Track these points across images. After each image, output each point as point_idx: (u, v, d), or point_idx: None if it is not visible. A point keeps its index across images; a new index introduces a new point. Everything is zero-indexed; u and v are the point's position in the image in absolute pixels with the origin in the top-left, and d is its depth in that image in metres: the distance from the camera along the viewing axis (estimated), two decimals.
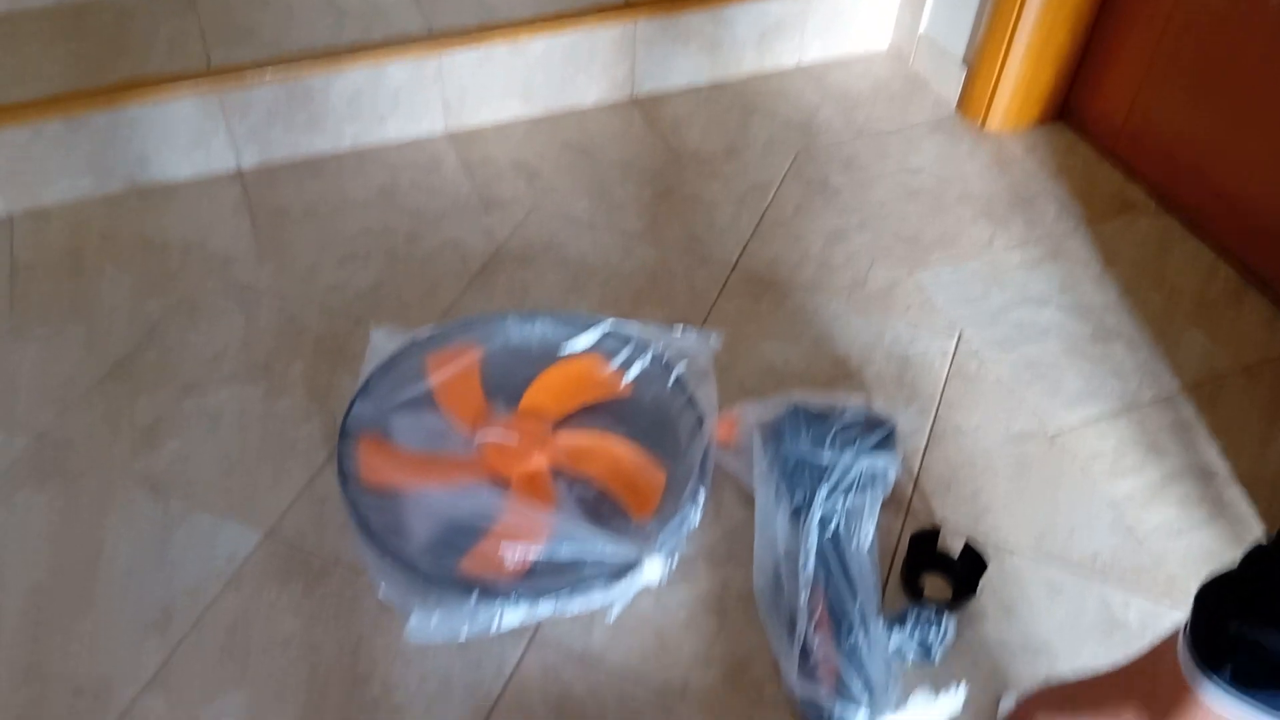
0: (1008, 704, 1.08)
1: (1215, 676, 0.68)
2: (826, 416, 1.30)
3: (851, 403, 1.35)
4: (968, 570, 1.22)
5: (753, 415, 1.32)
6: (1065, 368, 1.49)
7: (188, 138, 1.66)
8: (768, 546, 1.22)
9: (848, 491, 1.23)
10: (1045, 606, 1.21)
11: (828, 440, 1.26)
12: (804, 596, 1.15)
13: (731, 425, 1.33)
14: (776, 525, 1.22)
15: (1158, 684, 0.73)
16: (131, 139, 1.62)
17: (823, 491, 1.22)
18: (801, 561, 1.18)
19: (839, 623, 1.13)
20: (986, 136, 1.90)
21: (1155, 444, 1.39)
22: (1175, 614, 1.21)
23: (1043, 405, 1.43)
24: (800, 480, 1.24)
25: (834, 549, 1.20)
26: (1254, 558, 0.70)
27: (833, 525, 1.21)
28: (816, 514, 1.21)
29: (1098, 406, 1.43)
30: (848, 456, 1.25)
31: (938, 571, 1.24)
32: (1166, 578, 1.25)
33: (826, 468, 1.24)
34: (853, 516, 1.22)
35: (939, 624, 1.15)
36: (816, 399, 1.34)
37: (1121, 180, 1.82)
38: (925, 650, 1.15)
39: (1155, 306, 1.58)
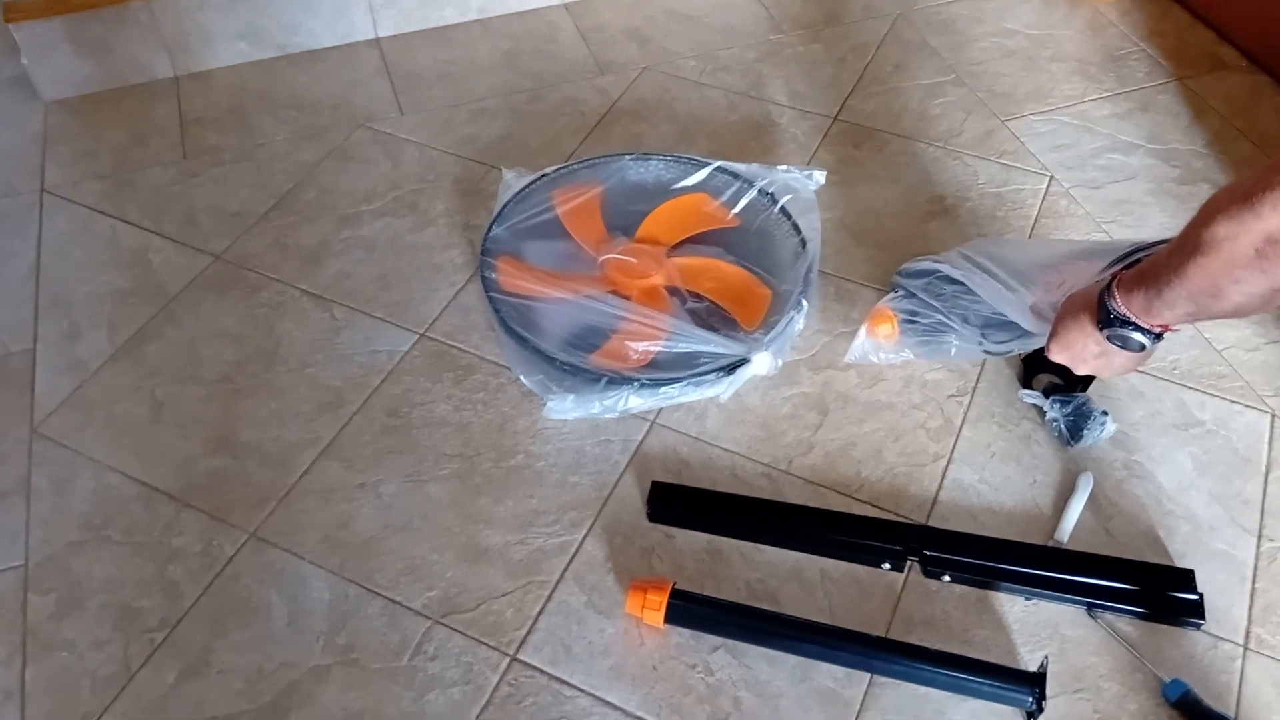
0: None
1: None
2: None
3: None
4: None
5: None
6: (1151, 205, 1.57)
7: (331, 8, 1.81)
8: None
9: None
10: (1127, 405, 1.32)
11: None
12: None
13: (884, 319, 1.37)
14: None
15: None
16: (284, 8, 1.78)
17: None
18: None
19: None
20: (1081, 2, 1.96)
21: None
22: (1249, 414, 1.31)
23: (1129, 237, 1.51)
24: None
25: None
26: None
27: None
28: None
29: None
30: None
31: (1051, 372, 1.32)
32: (1241, 385, 1.34)
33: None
34: None
35: (1100, 417, 1.26)
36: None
37: (1214, 41, 1.87)
38: (1075, 432, 1.26)
39: (1243, 152, 1.65)
